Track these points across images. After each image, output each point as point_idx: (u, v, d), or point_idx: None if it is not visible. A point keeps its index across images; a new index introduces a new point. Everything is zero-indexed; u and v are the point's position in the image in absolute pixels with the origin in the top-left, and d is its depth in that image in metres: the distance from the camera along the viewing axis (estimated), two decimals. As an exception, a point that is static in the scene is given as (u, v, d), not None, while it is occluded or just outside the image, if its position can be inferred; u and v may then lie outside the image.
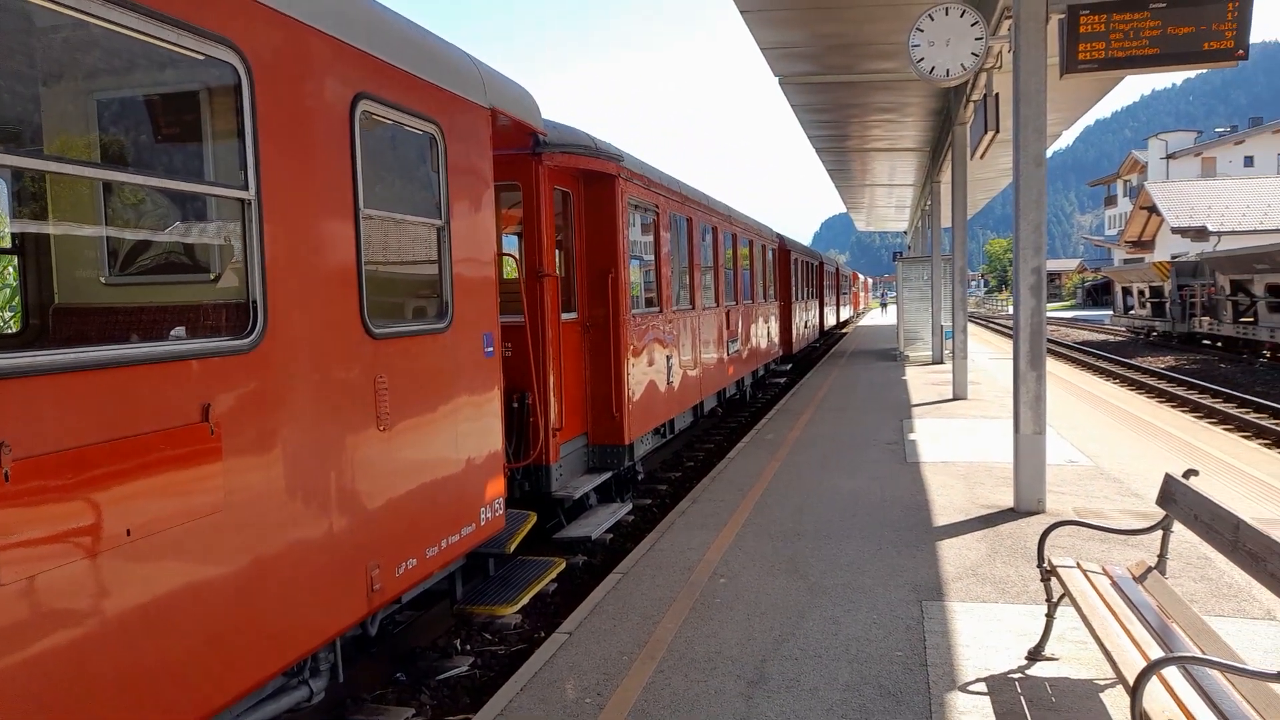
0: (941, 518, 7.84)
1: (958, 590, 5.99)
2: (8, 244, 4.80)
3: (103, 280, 4.57)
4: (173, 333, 3.88)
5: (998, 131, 10.46)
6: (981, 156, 12.20)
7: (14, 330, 6.44)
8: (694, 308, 11.69)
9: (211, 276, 4.21)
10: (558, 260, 7.87)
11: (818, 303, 29.93)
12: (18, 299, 5.17)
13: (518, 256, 7.32)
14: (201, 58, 3.37)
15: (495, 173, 5.83)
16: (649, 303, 9.89)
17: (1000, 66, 10.88)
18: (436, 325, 4.98)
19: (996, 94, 10.44)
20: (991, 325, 46.67)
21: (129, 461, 2.89)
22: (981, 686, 4.56)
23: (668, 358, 10.22)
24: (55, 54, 3.82)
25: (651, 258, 10.03)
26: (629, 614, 5.76)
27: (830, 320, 37.04)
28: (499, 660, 6.17)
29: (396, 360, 4.49)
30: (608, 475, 8.43)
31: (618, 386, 8.41)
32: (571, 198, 8.17)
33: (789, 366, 22.80)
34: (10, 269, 8.84)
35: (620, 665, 4.97)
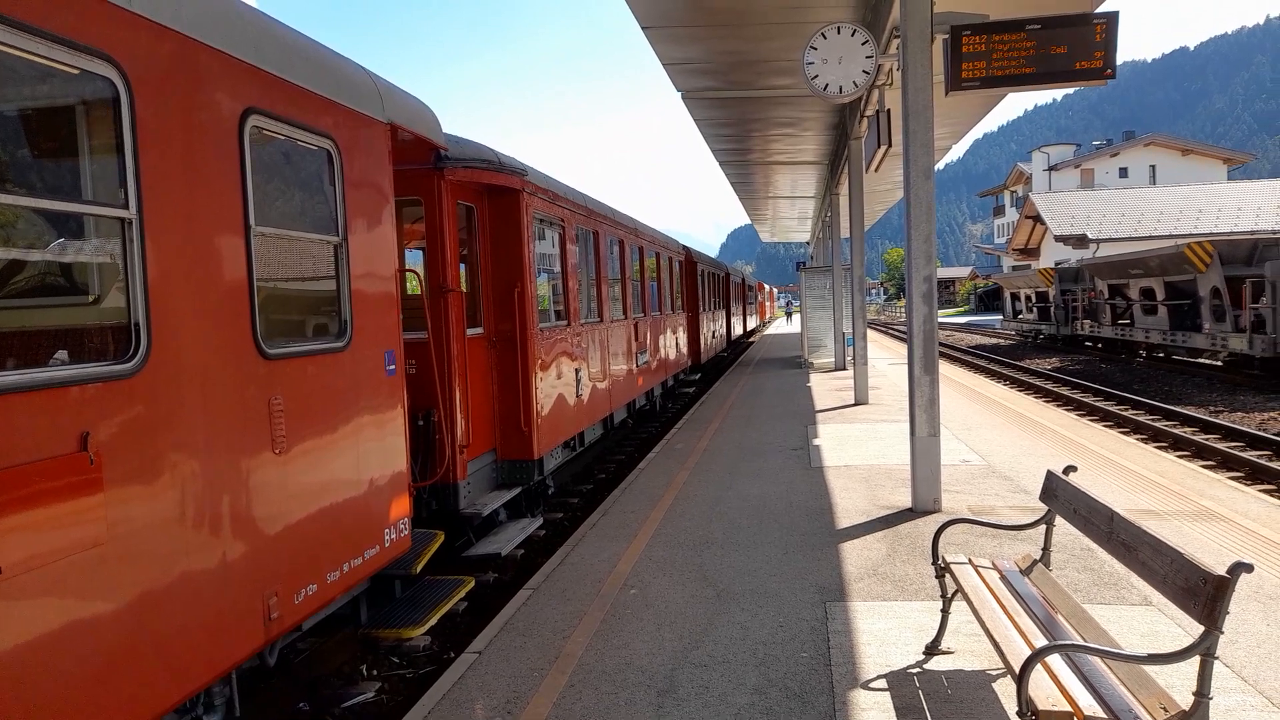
0: (844, 520, 8.07)
1: (860, 590, 6.17)
2: None
3: (-30, 304, 4.31)
4: (55, 357, 3.69)
5: (890, 146, 10.86)
6: (876, 169, 12.66)
7: None
8: (602, 320, 11.73)
9: (91, 298, 4.02)
10: (462, 275, 7.80)
11: (725, 313, 30.41)
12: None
13: (421, 272, 7.22)
14: (76, 72, 3.24)
15: (397, 188, 5.75)
16: (557, 316, 9.88)
17: (891, 83, 11.30)
18: (335, 344, 4.87)
19: (888, 110, 10.84)
20: (891, 332, 48.22)
21: (-1, 496, 2.74)
22: (882, 683, 4.71)
23: (576, 371, 10.23)
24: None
25: (558, 271, 10.04)
26: (540, 629, 5.73)
27: (738, 330, 37.68)
28: (408, 684, 6.05)
29: (292, 381, 4.38)
30: (517, 491, 8.38)
31: (526, 401, 8.37)
32: (476, 212, 8.11)
33: (698, 376, 23.07)
34: None
35: (531, 682, 4.95)
